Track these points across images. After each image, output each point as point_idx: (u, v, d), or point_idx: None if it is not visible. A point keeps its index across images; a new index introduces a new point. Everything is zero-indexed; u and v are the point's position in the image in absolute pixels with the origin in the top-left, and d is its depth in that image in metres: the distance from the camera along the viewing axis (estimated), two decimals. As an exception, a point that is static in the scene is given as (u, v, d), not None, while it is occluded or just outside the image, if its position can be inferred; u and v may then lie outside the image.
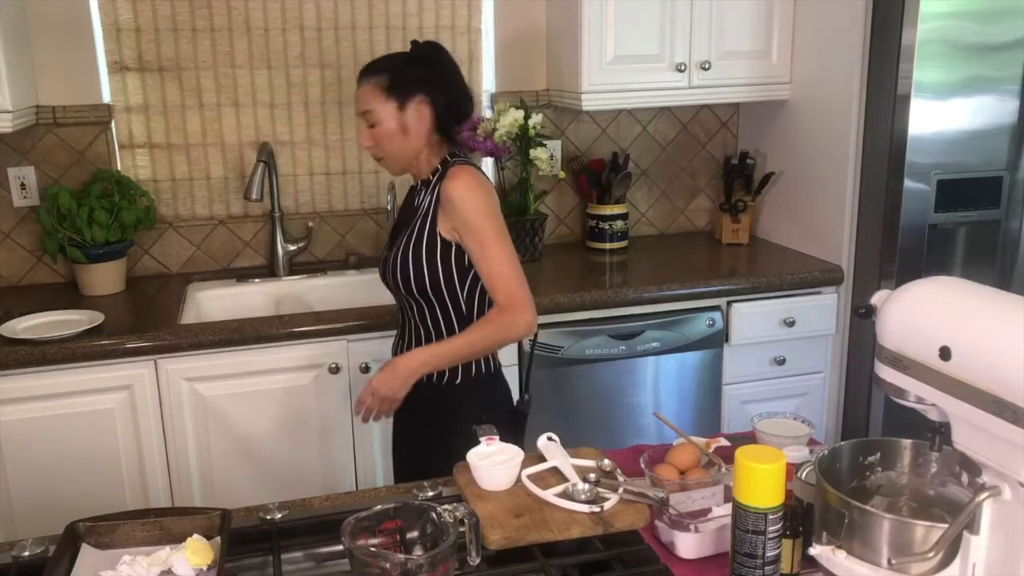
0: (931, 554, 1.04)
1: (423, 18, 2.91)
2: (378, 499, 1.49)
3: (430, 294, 1.92)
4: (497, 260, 1.85)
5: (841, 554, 1.11)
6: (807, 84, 2.92)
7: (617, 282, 2.73)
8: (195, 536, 1.28)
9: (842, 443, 1.23)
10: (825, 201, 2.87)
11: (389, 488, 1.57)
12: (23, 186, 2.70)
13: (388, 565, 1.08)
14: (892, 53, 2.55)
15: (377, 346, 2.41)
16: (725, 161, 3.25)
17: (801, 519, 1.22)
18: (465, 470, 1.46)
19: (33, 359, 2.20)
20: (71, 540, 1.28)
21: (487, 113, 3.03)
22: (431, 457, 1.98)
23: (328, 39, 2.85)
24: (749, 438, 1.62)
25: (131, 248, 2.74)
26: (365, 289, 2.74)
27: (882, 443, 1.24)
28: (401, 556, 1.14)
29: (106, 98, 2.74)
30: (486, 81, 3.04)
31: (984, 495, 1.02)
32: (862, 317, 1.17)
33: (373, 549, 1.16)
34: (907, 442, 1.23)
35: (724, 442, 1.64)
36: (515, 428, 2.02)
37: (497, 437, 1.50)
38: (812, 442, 1.59)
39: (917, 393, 1.09)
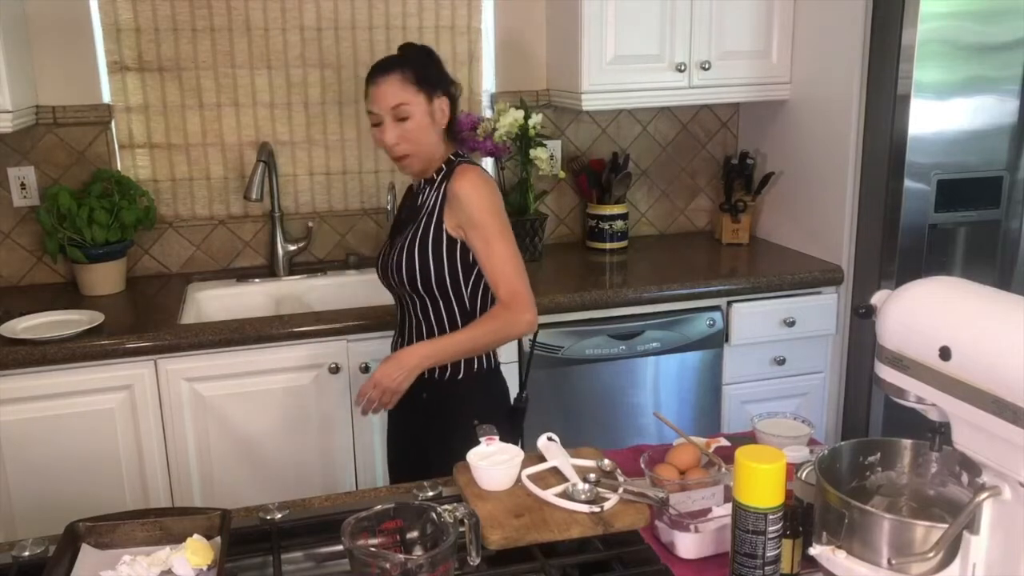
0: (931, 554, 1.04)
1: (423, 18, 2.91)
2: (378, 499, 1.49)
3: (435, 290, 1.94)
4: (501, 258, 1.88)
5: (841, 554, 1.11)
6: (807, 84, 2.92)
7: (617, 282, 2.73)
8: (195, 536, 1.28)
9: (842, 443, 1.23)
10: (825, 201, 2.87)
11: (389, 488, 1.57)
12: (23, 186, 2.70)
13: (388, 565, 1.08)
14: (892, 53, 2.55)
15: (377, 346, 2.41)
16: (725, 161, 3.25)
17: (801, 519, 1.22)
18: (465, 470, 1.46)
19: (33, 359, 2.20)
20: (71, 540, 1.28)
21: (487, 113, 3.03)
22: (430, 453, 1.99)
23: (328, 39, 2.85)
24: (749, 438, 1.62)
25: (131, 248, 2.74)
26: (365, 289, 2.74)
27: (882, 443, 1.24)
28: (401, 556, 1.14)
29: (106, 98, 2.74)
30: (486, 81, 3.04)
31: (984, 495, 1.02)
32: (862, 317, 1.17)
33: (373, 549, 1.16)
34: (907, 442, 1.23)
35: (724, 442, 1.64)
36: (513, 426, 2.04)
37: (497, 437, 1.50)
38: (812, 442, 1.59)
39: (917, 393, 1.09)
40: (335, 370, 2.43)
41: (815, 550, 1.14)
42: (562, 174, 3.10)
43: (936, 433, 1.12)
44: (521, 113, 2.82)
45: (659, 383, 2.73)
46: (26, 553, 1.30)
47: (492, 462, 1.44)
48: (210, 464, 2.40)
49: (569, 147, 3.16)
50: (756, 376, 2.82)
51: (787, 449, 1.42)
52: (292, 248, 2.90)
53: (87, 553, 1.28)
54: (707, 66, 2.85)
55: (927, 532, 1.05)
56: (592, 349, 2.62)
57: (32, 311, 2.41)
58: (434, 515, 1.19)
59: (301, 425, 2.45)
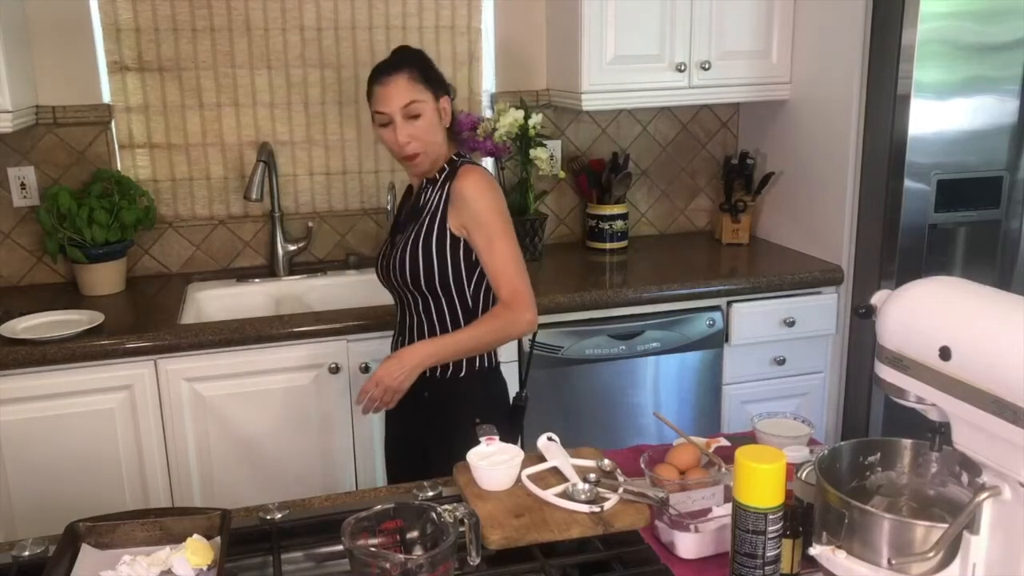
0: (931, 554, 1.04)
1: (423, 18, 2.91)
2: (378, 499, 1.49)
3: (438, 288, 1.95)
4: (503, 257, 1.90)
5: (841, 554, 1.11)
6: (807, 84, 2.92)
7: (617, 282, 2.73)
8: (195, 536, 1.28)
9: (842, 443, 1.23)
10: (825, 201, 2.87)
11: (389, 488, 1.57)
12: (23, 186, 2.70)
13: (388, 565, 1.08)
14: (892, 53, 2.55)
15: (377, 346, 2.41)
16: (725, 161, 3.25)
17: (801, 519, 1.22)
18: (465, 470, 1.46)
19: (33, 359, 2.20)
20: (71, 540, 1.28)
21: (487, 113, 3.03)
22: (431, 453, 2.00)
23: (328, 39, 2.85)
24: (749, 438, 1.62)
25: (131, 248, 2.74)
26: (365, 289, 2.74)
27: (882, 443, 1.24)
28: (401, 556, 1.14)
29: (106, 98, 2.74)
30: (486, 81, 3.04)
31: (984, 495, 1.02)
32: (862, 317, 1.17)
33: (373, 549, 1.16)
34: (907, 442, 1.23)
35: (724, 442, 1.64)
36: (513, 424, 2.05)
37: (497, 437, 1.50)
38: (812, 442, 1.59)
39: (917, 393, 1.09)
40: (335, 370, 2.43)
41: (815, 550, 1.14)
42: (562, 174, 3.10)
43: (936, 433, 1.12)
44: (521, 113, 2.82)
45: (659, 383, 2.73)
46: (26, 553, 1.30)
47: (492, 462, 1.44)
48: (210, 464, 2.40)
49: (569, 147, 3.16)
50: (756, 376, 2.82)
51: (787, 449, 1.42)
52: (292, 248, 2.90)
53: (87, 553, 1.28)
54: (707, 66, 2.85)
55: (927, 532, 1.05)
56: (592, 349, 2.62)
57: (32, 311, 2.41)
58: (434, 515, 1.19)
59: (301, 425, 2.45)
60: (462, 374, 2.00)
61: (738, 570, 1.16)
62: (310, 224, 2.94)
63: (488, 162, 2.98)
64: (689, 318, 2.69)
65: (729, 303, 2.74)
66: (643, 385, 2.71)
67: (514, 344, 2.50)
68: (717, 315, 2.71)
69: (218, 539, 1.28)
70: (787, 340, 2.80)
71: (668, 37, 2.80)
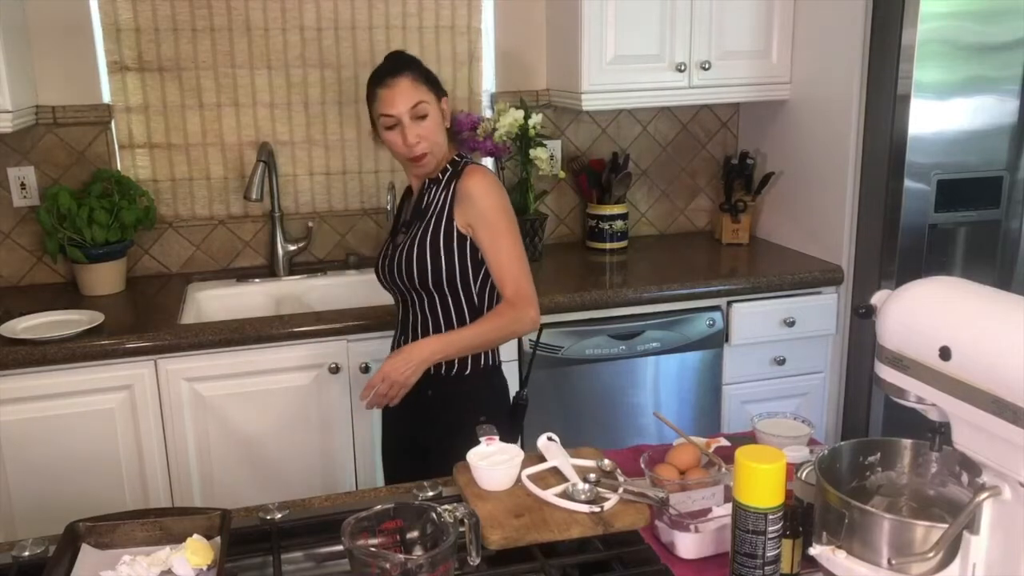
0: (931, 554, 1.04)
1: (423, 18, 2.91)
2: (378, 499, 1.49)
3: (444, 286, 1.96)
4: (508, 256, 1.92)
5: (841, 554, 1.11)
6: (807, 84, 2.92)
7: (617, 282, 2.73)
8: (195, 536, 1.28)
9: (842, 443, 1.23)
10: (825, 201, 2.87)
11: (389, 488, 1.57)
12: (23, 186, 2.70)
13: (388, 565, 1.08)
14: (892, 53, 2.55)
15: (377, 346, 2.41)
16: (725, 161, 3.25)
17: (801, 519, 1.22)
18: (465, 470, 1.46)
19: (33, 359, 2.20)
20: (71, 540, 1.28)
21: (487, 113, 3.03)
22: (433, 450, 2.00)
23: (328, 39, 2.85)
24: (749, 438, 1.62)
25: (131, 248, 2.74)
26: (365, 289, 2.74)
27: (882, 443, 1.24)
28: (401, 556, 1.14)
29: (106, 98, 2.74)
30: (486, 81, 3.04)
31: (984, 495, 1.02)
32: (862, 317, 1.17)
33: (373, 549, 1.16)
34: (907, 442, 1.23)
35: (724, 442, 1.64)
36: (513, 423, 2.07)
37: (497, 437, 1.50)
38: (812, 442, 1.59)
39: (917, 393, 1.09)
40: (335, 370, 2.43)
41: (815, 550, 1.14)
42: (562, 174, 3.10)
43: (936, 433, 1.12)
44: (521, 113, 2.82)
45: (659, 383, 2.73)
46: (26, 553, 1.30)
47: (492, 462, 1.44)
48: (210, 464, 2.40)
49: (569, 147, 3.16)
50: (756, 376, 2.82)
51: (787, 449, 1.42)
52: (292, 248, 2.90)
53: (87, 553, 1.28)
54: (707, 66, 2.85)
55: (927, 532, 1.05)
56: (592, 349, 2.62)
57: (32, 311, 2.41)
58: (434, 515, 1.19)
59: (301, 425, 2.45)
60: (467, 372, 2.01)
61: (738, 570, 1.16)
62: (310, 224, 2.94)
63: (488, 162, 2.98)
64: (689, 318, 2.69)
65: (729, 303, 2.74)
66: (643, 385, 2.71)
67: (514, 343, 2.50)
68: (717, 315, 2.71)
69: (218, 539, 1.28)
70: (787, 340, 2.80)
71: (668, 37, 2.80)
